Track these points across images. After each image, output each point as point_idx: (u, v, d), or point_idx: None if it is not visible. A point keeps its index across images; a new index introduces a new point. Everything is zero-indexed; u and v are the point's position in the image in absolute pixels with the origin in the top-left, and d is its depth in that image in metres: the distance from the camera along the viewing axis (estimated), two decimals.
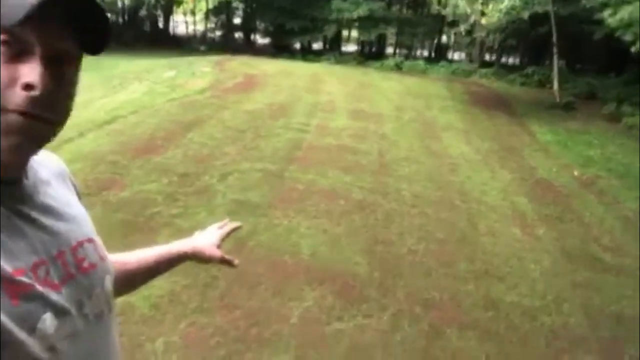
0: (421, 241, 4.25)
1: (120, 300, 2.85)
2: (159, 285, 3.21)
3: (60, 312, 0.63)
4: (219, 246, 1.11)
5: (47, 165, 0.76)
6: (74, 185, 0.84)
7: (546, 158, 7.57)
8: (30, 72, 0.58)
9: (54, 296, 0.63)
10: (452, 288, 3.59)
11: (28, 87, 0.58)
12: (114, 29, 23.30)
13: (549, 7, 11.58)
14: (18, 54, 0.58)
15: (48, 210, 0.69)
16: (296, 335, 2.92)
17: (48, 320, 0.61)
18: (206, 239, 1.11)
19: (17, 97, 0.58)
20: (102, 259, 0.76)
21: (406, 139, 7.72)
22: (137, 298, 3.06)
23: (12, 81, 0.58)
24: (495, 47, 20.24)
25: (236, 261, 1.12)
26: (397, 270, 3.75)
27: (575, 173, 6.84)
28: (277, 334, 2.91)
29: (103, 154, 5.51)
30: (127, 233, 3.78)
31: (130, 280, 0.97)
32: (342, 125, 8.02)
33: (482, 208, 5.17)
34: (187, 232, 3.97)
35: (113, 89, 9.66)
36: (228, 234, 1.16)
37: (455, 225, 4.67)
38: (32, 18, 0.55)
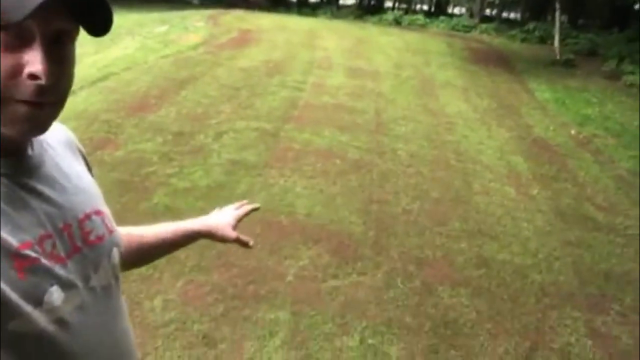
0: (416, 200, 4.28)
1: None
2: None
3: (66, 285, 0.63)
4: (234, 227, 1.10)
5: (53, 135, 0.74)
6: (83, 155, 0.83)
7: (544, 116, 7.53)
8: (34, 60, 0.57)
9: (60, 269, 0.63)
10: (445, 246, 3.65)
11: (33, 76, 0.57)
12: None
13: None
14: (19, 42, 0.57)
15: (54, 181, 0.68)
16: (292, 292, 2.98)
17: (54, 293, 0.61)
18: (222, 218, 1.10)
19: (23, 86, 0.57)
20: (110, 231, 0.75)
21: (404, 97, 7.64)
22: None
23: (16, 70, 0.57)
24: (496, 2, 19.74)
25: (251, 242, 1.12)
26: (392, 229, 3.80)
27: (572, 132, 6.83)
28: (274, 291, 2.97)
29: (96, 112, 5.45)
30: (122, 192, 3.78)
31: (146, 253, 0.99)
32: (339, 83, 7.91)
33: (478, 167, 5.19)
34: (182, 191, 3.99)
35: (104, 45, 9.42)
36: (246, 215, 1.15)
37: (450, 185, 4.70)
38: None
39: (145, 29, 10.98)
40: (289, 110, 6.26)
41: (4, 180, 0.60)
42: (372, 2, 23.95)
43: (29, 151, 0.66)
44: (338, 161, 4.87)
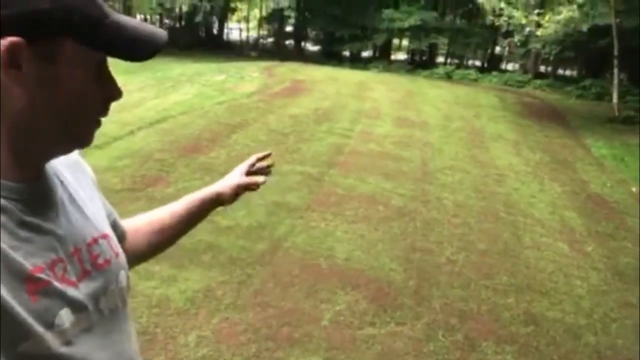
0: (461, 251, 4.13)
1: (157, 293, 2.91)
2: (195, 279, 3.28)
3: (77, 307, 0.65)
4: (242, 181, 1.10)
5: (61, 159, 0.75)
6: (91, 176, 0.84)
7: (600, 172, 7.20)
8: (115, 85, 0.67)
9: (71, 292, 0.64)
10: (491, 300, 3.46)
11: (112, 98, 0.67)
12: (172, 33, 24.27)
13: (611, 20, 11.04)
14: (103, 71, 0.66)
15: (64, 206, 0.70)
16: (327, 337, 2.90)
17: (65, 316, 0.63)
18: (229, 178, 1.11)
19: (106, 108, 0.68)
20: (117, 254, 0.77)
21: (452, 147, 7.56)
22: (173, 291, 3.14)
23: (107, 96, 0.67)
24: (551, 58, 19.53)
25: (260, 179, 1.10)
26: (434, 279, 3.66)
27: (633, 189, 6.46)
28: (308, 335, 2.90)
29: (151, 151, 5.72)
30: None
31: (168, 234, 1.01)
32: (386, 132, 7.95)
33: (528, 221, 4.97)
34: (225, 229, 4.03)
35: (165, 91, 10.02)
36: (253, 165, 1.14)
37: (498, 237, 4.51)
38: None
39: (204, 77, 11.60)
40: (334, 156, 6.33)
41: (18, 205, 0.62)
42: (424, 57, 24.31)
43: (44, 176, 0.68)
44: (381, 207, 4.82)
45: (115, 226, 0.87)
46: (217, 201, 1.07)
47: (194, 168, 5.37)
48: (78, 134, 0.67)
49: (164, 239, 1.01)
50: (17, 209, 0.61)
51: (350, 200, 4.89)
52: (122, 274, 0.77)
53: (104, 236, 0.76)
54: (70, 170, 0.78)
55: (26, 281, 0.59)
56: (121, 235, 0.90)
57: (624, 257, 4.42)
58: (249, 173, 1.12)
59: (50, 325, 0.60)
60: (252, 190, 1.10)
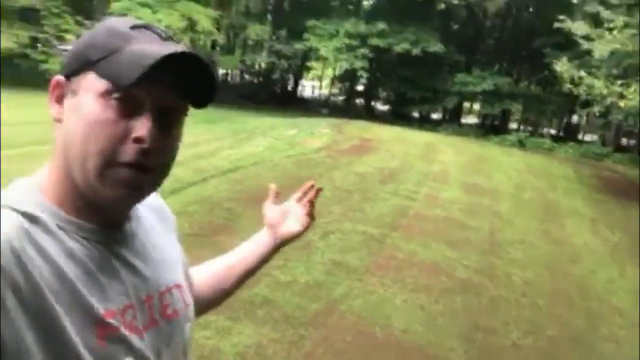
0: (528, 335, 3.84)
1: (210, 344, 2.92)
2: (247, 334, 3.27)
3: (140, 357, 0.64)
4: (278, 219, 1.08)
5: (147, 203, 0.75)
6: (172, 223, 0.85)
7: None
8: (141, 126, 0.61)
9: (136, 341, 0.64)
10: None
11: (138, 140, 0.60)
12: (250, 88, 25.67)
13: None
14: (130, 110, 0.61)
15: (144, 253, 0.71)
16: None
17: None
18: (284, 218, 1.08)
19: (128, 150, 0.61)
20: (186, 305, 0.77)
21: (523, 219, 7.23)
22: (225, 343, 3.13)
23: (124, 136, 0.61)
24: (635, 130, 18.54)
25: (295, 229, 1.05)
26: None
27: None
28: None
29: (221, 199, 5.92)
30: None
31: (235, 280, 1.00)
32: (453, 198, 7.77)
33: (605, 309, 4.57)
34: (283, 285, 4.04)
35: (240, 142, 10.48)
36: (306, 196, 1.10)
37: (571, 324, 4.17)
38: (148, 73, 0.58)
39: (277, 131, 12.05)
40: (397, 218, 6.23)
41: (100, 247, 0.64)
42: (496, 122, 23.93)
43: (128, 220, 0.70)
44: (444, 278, 4.63)
45: (186, 275, 0.87)
46: (280, 245, 1.05)
47: (260, 219, 5.45)
48: (92, 169, 0.61)
49: (232, 284, 1.00)
50: (97, 250, 0.64)
51: (412, 267, 4.74)
52: (188, 326, 0.77)
53: (178, 286, 0.76)
54: (156, 216, 0.80)
55: (97, 324, 0.60)
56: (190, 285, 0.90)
57: None
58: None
59: None
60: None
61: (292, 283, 4.06)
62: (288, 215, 1.07)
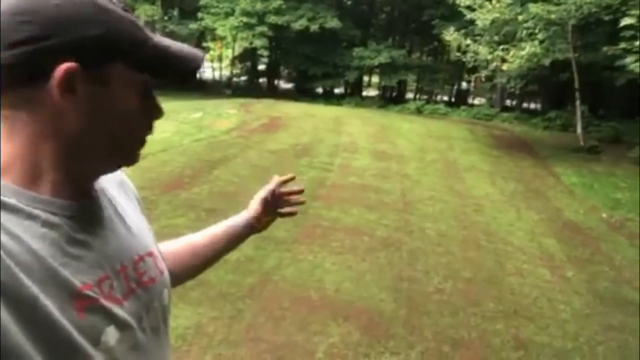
0: (447, 279, 4.19)
1: None
2: (185, 316, 3.23)
3: (122, 325, 0.65)
4: (266, 203, 1.13)
5: (109, 177, 0.77)
6: (136, 195, 0.86)
7: (572, 200, 7.47)
8: (158, 105, 0.70)
9: (117, 310, 0.65)
10: (480, 327, 3.51)
11: (156, 117, 0.70)
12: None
13: (570, 55, 11.70)
14: (149, 92, 0.69)
15: (112, 224, 0.71)
16: None
17: (111, 333, 0.63)
18: (254, 205, 1.13)
19: (148, 126, 0.70)
20: (161, 272, 0.77)
21: (429, 178, 7.74)
22: None
23: (152, 116, 0.70)
24: (517, 92, 20.39)
25: (294, 209, 1.14)
26: (424, 308, 3.70)
27: (604, 215, 6.71)
28: None
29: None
30: None
31: (201, 260, 1.02)
32: (365, 165, 8.09)
33: (509, 248, 5.10)
34: (214, 265, 3.97)
35: None
36: (276, 189, 1.16)
37: (482, 265, 4.60)
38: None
39: (181, 115, 11.61)
40: (316, 189, 6.39)
41: (68, 222, 0.63)
42: (394, 93, 25.01)
43: (93, 194, 0.70)
44: (366, 238, 4.87)
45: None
46: (255, 228, 1.10)
47: (177, 205, 5.33)
48: (128, 152, 0.69)
49: (199, 264, 1.02)
50: (67, 225, 0.63)
51: (336, 232, 4.92)
52: (166, 293, 0.78)
53: (150, 254, 0.76)
54: (118, 188, 0.80)
55: (75, 298, 0.59)
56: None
57: (602, 281, 4.55)
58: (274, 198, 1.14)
59: (96, 342, 0.61)
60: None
61: (224, 261, 3.98)
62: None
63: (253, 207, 1.12)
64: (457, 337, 3.36)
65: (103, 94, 0.62)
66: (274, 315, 3.38)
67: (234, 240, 1.08)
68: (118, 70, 0.63)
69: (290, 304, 3.54)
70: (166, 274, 0.80)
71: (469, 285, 4.16)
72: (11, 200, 0.59)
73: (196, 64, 0.68)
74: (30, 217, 0.59)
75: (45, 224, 0.60)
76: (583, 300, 4.10)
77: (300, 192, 1.18)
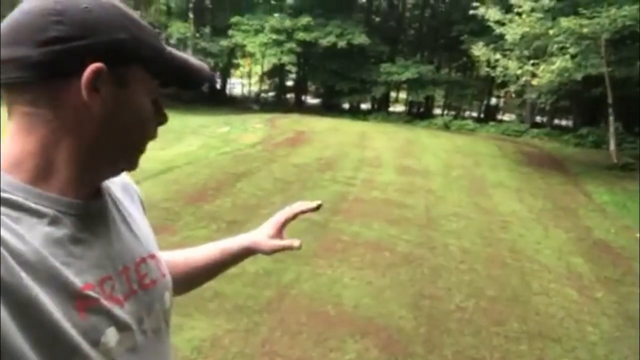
0: (470, 298, 4.08)
1: None
2: (201, 328, 3.23)
3: (122, 326, 0.65)
4: (273, 236, 1.02)
5: (114, 180, 0.79)
6: (140, 199, 0.87)
7: (603, 219, 7.21)
8: (162, 109, 0.72)
9: (117, 311, 0.65)
10: (503, 348, 3.39)
11: (161, 122, 0.72)
12: (175, 88, 24.87)
13: (603, 70, 11.40)
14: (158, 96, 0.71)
15: (115, 225, 0.71)
16: None
17: (111, 334, 0.63)
18: (262, 230, 1.04)
19: (154, 132, 0.72)
20: (163, 275, 0.78)
21: (454, 194, 7.61)
22: (179, 340, 3.08)
23: (155, 119, 0.71)
24: (547, 108, 19.98)
25: (296, 243, 1.01)
26: (445, 326, 3.60)
27: (637, 235, 6.45)
28: None
29: (157, 201, 5.75)
30: None
31: (194, 277, 0.99)
32: (389, 180, 8.03)
33: (535, 267, 4.94)
34: (231, 277, 4.00)
35: (170, 142, 10.19)
36: (293, 217, 1.04)
37: (507, 284, 4.47)
38: None
39: (208, 129, 11.83)
40: (338, 203, 6.36)
41: (73, 220, 0.64)
42: (422, 109, 24.87)
43: (98, 194, 0.71)
44: (387, 254, 4.80)
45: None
46: (253, 251, 1.02)
47: (200, 216, 5.39)
48: (135, 155, 0.71)
49: (195, 279, 1.00)
50: (72, 224, 0.63)
51: (356, 247, 4.87)
52: (167, 295, 0.78)
53: (152, 256, 0.77)
54: (122, 190, 0.80)
55: (76, 298, 0.60)
56: None
57: (634, 303, 4.35)
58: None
59: (96, 343, 0.61)
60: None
61: (241, 274, 4.04)
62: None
63: (259, 234, 1.02)
64: (478, 357, 3.25)
65: (123, 95, 0.65)
66: (290, 329, 3.35)
67: (235, 260, 1.03)
68: (137, 74, 0.66)
69: (308, 319, 3.50)
70: (168, 277, 0.80)
71: (492, 304, 4.04)
72: (18, 197, 0.60)
73: (205, 75, 0.73)
74: (36, 214, 0.60)
75: (51, 222, 0.61)
76: (612, 323, 3.92)
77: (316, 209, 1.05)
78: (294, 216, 1.03)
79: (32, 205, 0.60)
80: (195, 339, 3.13)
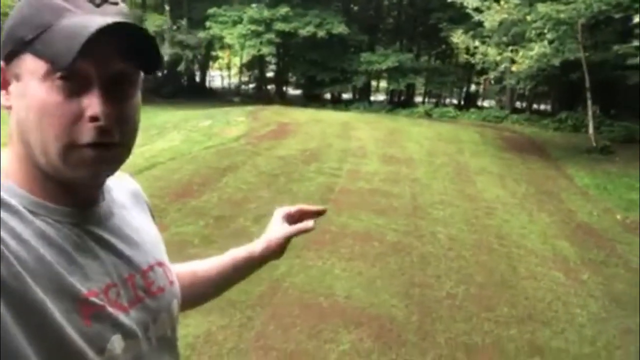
0: (460, 284, 4.13)
1: None
2: (195, 324, 3.21)
3: (128, 334, 0.64)
4: (281, 226, 0.95)
5: (121, 186, 0.77)
6: (148, 206, 0.85)
7: (585, 202, 7.35)
8: (93, 102, 0.58)
9: (123, 318, 0.64)
10: (494, 333, 3.44)
11: (93, 119, 0.58)
12: (153, 82, 24.58)
13: (581, 54, 11.57)
14: (78, 87, 0.58)
15: (121, 232, 0.70)
16: None
17: (116, 342, 0.62)
18: (272, 231, 0.97)
19: (86, 130, 0.58)
20: (171, 283, 0.76)
21: (439, 182, 7.67)
22: None
23: (78, 115, 0.58)
24: (526, 93, 20.23)
25: (310, 223, 0.93)
26: (436, 313, 3.64)
27: (618, 217, 6.60)
28: None
29: None
30: None
31: (203, 287, 0.95)
32: (374, 170, 8.05)
33: (522, 251, 5.02)
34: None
35: (152, 138, 10.04)
36: (293, 216, 0.97)
37: (495, 269, 4.53)
38: (85, 49, 0.55)
39: (190, 123, 11.69)
40: (325, 194, 6.36)
41: (75, 229, 0.63)
42: (403, 98, 24.94)
43: (100, 202, 0.69)
44: (376, 244, 4.82)
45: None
46: (266, 258, 0.96)
47: (186, 212, 5.33)
48: (53, 154, 0.59)
49: (206, 292, 0.96)
50: (72, 233, 0.62)
51: (345, 238, 4.88)
52: (175, 303, 0.77)
53: (160, 264, 0.76)
54: (131, 198, 0.79)
55: (80, 305, 0.59)
56: None
57: (618, 284, 4.46)
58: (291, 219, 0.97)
59: (101, 350, 0.60)
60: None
61: None
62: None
63: (276, 235, 0.95)
64: (470, 343, 3.30)
65: (19, 89, 0.61)
66: (283, 322, 3.35)
67: (248, 271, 0.98)
68: (28, 62, 0.59)
69: (300, 311, 3.50)
70: (176, 285, 0.79)
71: (481, 289, 4.09)
72: (18, 205, 0.59)
73: (73, 49, 0.55)
74: (36, 222, 0.60)
75: (52, 230, 0.60)
76: (599, 304, 4.01)
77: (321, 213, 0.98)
78: (300, 212, 0.98)
79: (32, 213, 0.60)
80: (189, 335, 3.11)
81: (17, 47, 0.60)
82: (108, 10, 0.61)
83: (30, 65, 0.59)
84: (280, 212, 0.98)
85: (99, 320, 0.60)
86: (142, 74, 0.65)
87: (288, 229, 0.95)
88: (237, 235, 4.77)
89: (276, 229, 0.96)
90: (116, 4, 0.64)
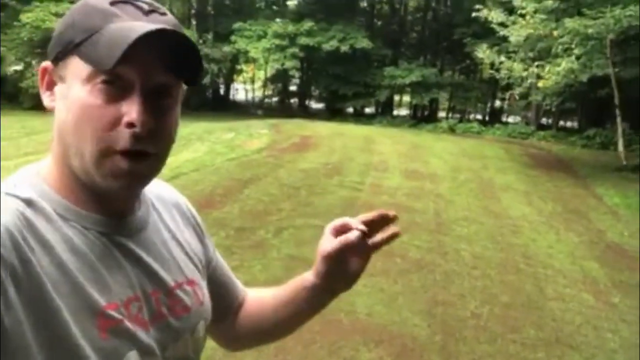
0: (484, 304, 4.01)
1: None
2: None
3: (145, 351, 0.62)
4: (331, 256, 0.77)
5: (162, 198, 0.75)
6: (196, 220, 0.81)
7: (616, 221, 7.12)
8: (131, 109, 0.58)
9: (141, 334, 0.62)
10: (520, 356, 3.32)
11: (130, 125, 0.58)
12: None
13: (609, 70, 11.32)
14: (119, 93, 0.58)
15: (152, 246, 0.68)
16: None
17: (132, 358, 0.60)
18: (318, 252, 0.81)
19: (121, 136, 0.58)
20: (200, 303, 0.73)
21: (463, 198, 7.54)
22: None
23: (116, 120, 0.58)
24: (553, 110, 19.88)
25: (352, 236, 0.77)
26: (460, 334, 3.53)
27: None
28: None
29: None
30: None
31: (274, 321, 0.88)
32: (396, 184, 7.97)
33: (549, 272, 4.86)
34: (243, 284, 3.93)
35: (177, 149, 10.14)
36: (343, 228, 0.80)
37: (521, 289, 4.40)
38: (129, 55, 0.55)
39: (214, 135, 11.81)
40: (346, 208, 6.30)
41: (102, 238, 0.62)
42: (426, 112, 24.81)
43: (135, 212, 0.67)
44: (399, 260, 4.73)
45: (223, 284, 0.86)
46: (321, 282, 0.81)
47: (208, 223, 5.24)
48: (88, 158, 0.59)
49: (276, 321, 0.89)
50: (99, 241, 0.61)
51: None
52: (201, 324, 0.73)
53: (191, 282, 0.72)
54: (170, 211, 0.76)
55: (98, 317, 0.57)
56: (233, 299, 0.88)
57: None
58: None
59: None
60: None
61: (252, 282, 3.97)
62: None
63: (317, 262, 0.81)
64: None
65: (63, 91, 0.61)
66: (303, 339, 3.29)
67: (314, 304, 0.85)
68: (73, 64, 0.60)
69: (321, 328, 3.43)
70: (207, 305, 0.75)
71: (507, 310, 3.96)
72: (51, 210, 0.59)
73: (116, 53, 0.54)
74: (60, 225, 0.59)
75: (78, 237, 0.60)
76: (632, 329, 3.84)
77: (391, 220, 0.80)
78: (344, 225, 0.80)
79: (61, 217, 0.60)
80: (208, 348, 3.06)
81: (65, 50, 0.60)
82: (156, 19, 0.61)
83: (75, 68, 0.59)
84: (329, 227, 0.82)
85: (116, 335, 0.59)
86: (183, 87, 0.65)
87: (330, 244, 0.78)
88: (257, 247, 4.76)
89: (322, 244, 0.80)
90: (165, 14, 0.63)
